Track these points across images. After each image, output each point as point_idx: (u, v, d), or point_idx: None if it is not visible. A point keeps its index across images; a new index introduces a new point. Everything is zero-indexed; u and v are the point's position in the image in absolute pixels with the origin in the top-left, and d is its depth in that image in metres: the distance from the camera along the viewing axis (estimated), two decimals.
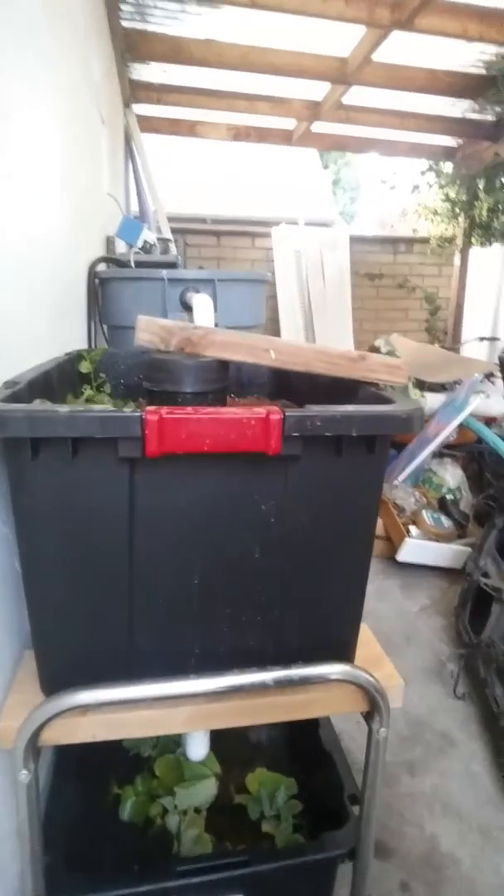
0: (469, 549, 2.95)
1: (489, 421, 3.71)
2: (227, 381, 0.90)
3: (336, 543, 0.78)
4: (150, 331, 0.81)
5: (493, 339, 5.01)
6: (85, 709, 0.78)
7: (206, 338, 0.83)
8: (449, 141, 4.56)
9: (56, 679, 0.77)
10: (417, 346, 4.64)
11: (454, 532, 3.01)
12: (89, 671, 0.77)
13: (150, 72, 3.68)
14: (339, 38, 3.05)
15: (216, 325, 1.54)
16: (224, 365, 0.87)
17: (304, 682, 0.81)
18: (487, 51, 3.14)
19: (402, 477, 3.37)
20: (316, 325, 4.97)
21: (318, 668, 0.82)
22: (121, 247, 2.57)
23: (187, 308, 1.70)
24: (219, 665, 0.80)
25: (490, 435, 3.37)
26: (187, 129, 4.48)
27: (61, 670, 0.78)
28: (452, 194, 4.68)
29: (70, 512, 0.69)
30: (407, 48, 3.07)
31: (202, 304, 1.27)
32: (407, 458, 3.49)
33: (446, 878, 1.60)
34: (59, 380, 1.12)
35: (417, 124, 4.14)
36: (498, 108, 3.63)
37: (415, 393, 3.49)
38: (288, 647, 0.82)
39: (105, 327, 1.93)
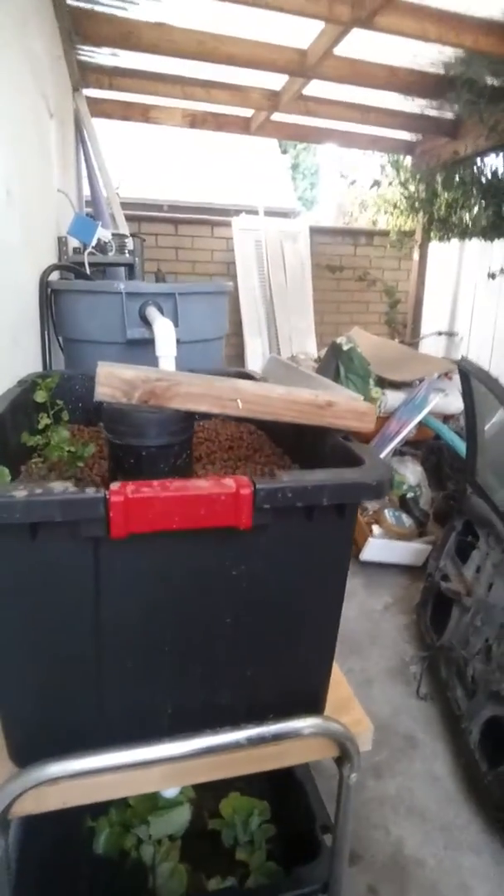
0: (429, 547, 3.03)
1: (447, 418, 3.79)
2: (191, 430, 0.87)
3: (307, 601, 0.77)
4: (111, 385, 0.77)
5: (450, 334, 5.10)
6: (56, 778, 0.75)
7: (170, 390, 0.80)
8: (408, 136, 4.56)
9: (26, 749, 0.75)
10: (378, 340, 4.67)
11: (415, 530, 3.07)
12: (60, 739, 0.75)
13: (100, 55, 3.52)
14: (299, 30, 2.98)
15: (178, 340, 1.50)
16: (189, 414, 0.85)
17: (277, 738, 0.81)
18: (445, 52, 3.14)
19: None
20: (277, 317, 4.95)
21: (291, 723, 0.82)
22: (73, 241, 2.47)
23: (147, 322, 1.65)
24: (191, 723, 0.79)
25: (448, 433, 3.45)
26: (140, 114, 4.32)
27: (31, 740, 0.75)
28: (412, 188, 4.70)
29: (31, 591, 0.66)
30: (367, 44, 3.03)
31: (163, 329, 1.23)
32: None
33: (411, 880, 1.65)
34: (13, 413, 1.07)
35: (377, 118, 4.12)
36: (457, 106, 3.64)
37: (376, 391, 3.53)
38: (260, 703, 0.82)
39: (60, 339, 1.86)
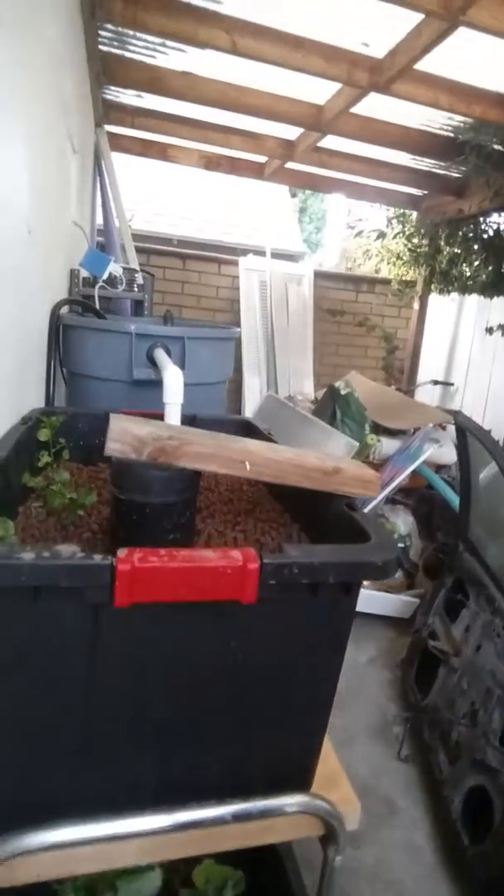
0: (417, 601, 3.00)
1: (440, 468, 3.82)
2: (197, 489, 0.87)
3: (303, 677, 0.76)
4: (122, 441, 0.77)
5: (446, 384, 5.18)
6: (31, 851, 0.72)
7: (180, 449, 0.79)
8: (415, 191, 4.71)
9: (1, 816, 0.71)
10: (375, 386, 4.73)
11: (403, 582, 3.05)
12: (37, 809, 0.71)
13: (125, 95, 3.64)
14: (317, 86, 3.10)
15: (184, 383, 1.50)
16: (196, 472, 0.84)
17: (264, 814, 0.78)
18: (456, 117, 3.27)
19: None
20: (277, 356, 5.01)
21: (278, 799, 0.79)
22: (84, 271, 2.50)
23: (153, 363, 1.66)
24: (175, 796, 0.76)
25: (441, 484, 3.46)
26: (159, 152, 4.44)
27: (4, 808, 0.72)
28: (416, 241, 4.83)
29: (24, 651, 0.64)
30: (382, 105, 3.16)
31: (173, 378, 1.23)
32: (361, 501, 3.52)
33: None
34: (17, 453, 1.06)
35: (386, 173, 4.26)
36: (464, 168, 3.78)
37: (371, 437, 3.55)
38: (248, 777, 0.79)
39: (64, 371, 1.86)
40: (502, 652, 1.97)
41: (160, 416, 1.31)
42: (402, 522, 3.46)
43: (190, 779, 0.77)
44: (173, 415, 1.19)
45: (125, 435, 0.77)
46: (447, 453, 3.69)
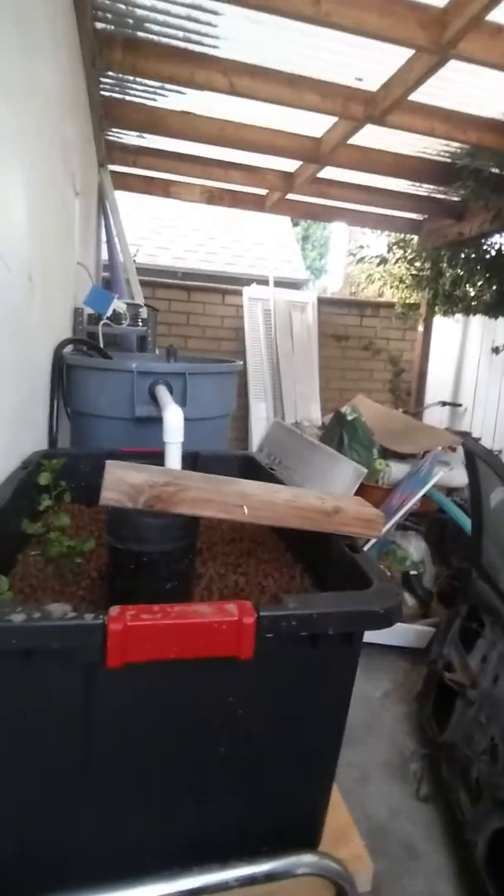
0: (432, 630, 2.93)
1: (450, 491, 3.77)
2: (196, 534, 0.86)
3: (307, 730, 0.73)
4: (118, 490, 0.76)
5: (454, 405, 5.15)
6: None
7: (177, 495, 0.78)
8: (415, 215, 4.77)
9: None
10: (383, 410, 4.71)
11: (417, 611, 2.99)
12: (29, 879, 0.68)
13: (127, 136, 3.74)
14: (314, 120, 3.17)
15: (185, 419, 1.50)
16: (194, 519, 0.83)
17: (270, 878, 0.75)
18: (453, 144, 3.32)
19: (366, 548, 3.36)
20: (283, 382, 5.02)
21: (284, 860, 0.75)
22: (89, 308, 2.53)
23: (155, 399, 1.66)
24: (176, 859, 0.73)
25: (452, 507, 3.41)
26: (161, 189, 4.55)
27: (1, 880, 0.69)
28: (418, 264, 4.86)
29: (16, 714, 0.62)
30: (378, 135, 3.22)
31: (173, 417, 1.23)
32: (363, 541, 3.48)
33: None
34: (15, 498, 1.06)
35: (386, 201, 4.32)
36: (463, 192, 3.82)
37: (380, 462, 3.52)
38: (252, 837, 0.76)
39: (69, 410, 1.87)
40: None
41: (162, 454, 1.31)
42: (415, 548, 3.41)
43: (192, 839, 0.74)
44: (174, 454, 1.19)
45: (120, 483, 0.76)
46: (458, 476, 3.65)
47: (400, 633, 2.86)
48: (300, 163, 3.82)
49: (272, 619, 0.62)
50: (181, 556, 0.82)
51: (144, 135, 3.63)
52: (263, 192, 4.53)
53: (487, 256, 4.39)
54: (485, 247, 4.45)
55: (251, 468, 1.37)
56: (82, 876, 0.70)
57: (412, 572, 3.28)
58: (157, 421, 1.43)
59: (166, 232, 7.12)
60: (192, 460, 1.39)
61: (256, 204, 4.68)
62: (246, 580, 0.96)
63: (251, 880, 0.74)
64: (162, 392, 1.55)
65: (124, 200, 4.28)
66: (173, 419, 1.21)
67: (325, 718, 0.73)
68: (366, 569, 0.76)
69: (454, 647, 2.40)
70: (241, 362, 1.99)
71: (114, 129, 3.59)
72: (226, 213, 7.49)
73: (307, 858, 0.77)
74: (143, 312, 2.99)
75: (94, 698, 0.62)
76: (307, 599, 0.65)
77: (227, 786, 0.72)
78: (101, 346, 2.14)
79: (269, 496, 0.85)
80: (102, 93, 3.04)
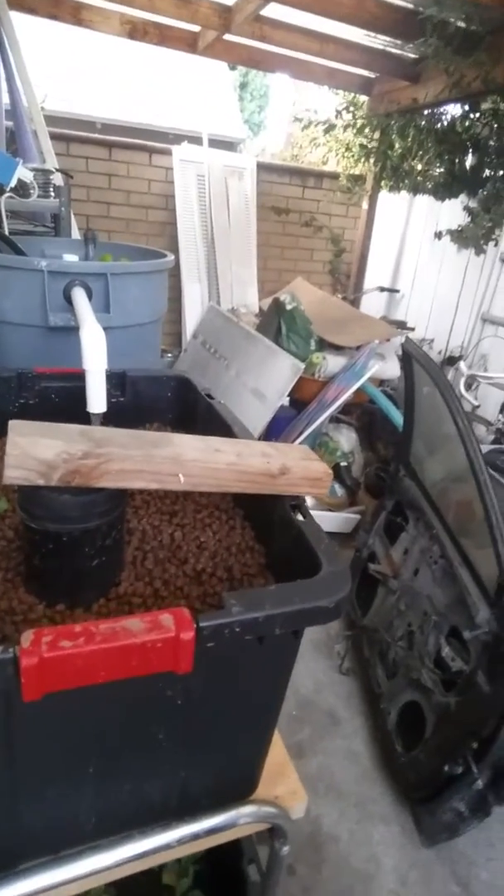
0: (359, 517, 3.08)
1: (381, 381, 3.78)
2: (124, 505, 0.76)
3: (249, 707, 0.71)
4: (24, 467, 0.64)
5: (392, 291, 5.03)
6: None
7: (98, 468, 0.67)
8: (367, 72, 4.24)
9: None
10: (321, 295, 4.53)
11: (346, 500, 3.11)
12: None
13: None
14: None
15: (109, 327, 1.33)
16: (121, 490, 0.73)
17: (210, 833, 0.77)
18: None
19: (300, 440, 3.38)
20: (219, 262, 4.66)
21: (224, 815, 0.78)
22: None
23: (73, 305, 1.45)
24: (118, 827, 0.73)
25: (385, 401, 3.44)
26: (70, 14, 3.74)
27: None
28: (367, 131, 4.42)
29: None
30: None
31: (92, 338, 1.06)
32: (306, 420, 3.48)
33: (327, 857, 1.75)
34: None
35: (336, 52, 3.78)
36: (423, 49, 3.38)
37: (317, 356, 3.44)
38: (192, 796, 0.77)
39: None
40: (439, 578, 2.05)
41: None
42: (346, 440, 3.47)
43: (132, 809, 0.73)
44: (96, 386, 1.04)
45: (26, 460, 0.64)
46: (391, 368, 3.64)
47: (330, 521, 2.99)
48: None
49: (214, 628, 0.56)
50: (108, 531, 0.73)
51: None
52: (196, 28, 3.82)
53: (438, 126, 4.04)
54: (438, 117, 4.07)
55: (187, 393, 1.25)
56: (28, 850, 0.68)
57: (342, 463, 3.37)
58: (75, 330, 1.26)
59: (82, 74, 6.02)
60: (119, 382, 1.24)
61: (188, 43, 3.97)
62: (183, 535, 0.90)
63: (192, 838, 0.75)
64: (79, 298, 1.34)
65: (26, 29, 3.49)
66: (93, 340, 1.04)
67: (267, 694, 0.72)
68: (314, 544, 0.70)
69: (379, 538, 2.53)
70: (173, 257, 1.75)
71: None
72: (153, 54, 6.39)
73: (246, 809, 0.80)
74: (57, 179, 2.57)
75: (13, 723, 0.56)
76: (252, 599, 0.58)
77: (167, 765, 0.71)
78: (5, 228, 1.82)
79: (208, 460, 0.76)
80: None
